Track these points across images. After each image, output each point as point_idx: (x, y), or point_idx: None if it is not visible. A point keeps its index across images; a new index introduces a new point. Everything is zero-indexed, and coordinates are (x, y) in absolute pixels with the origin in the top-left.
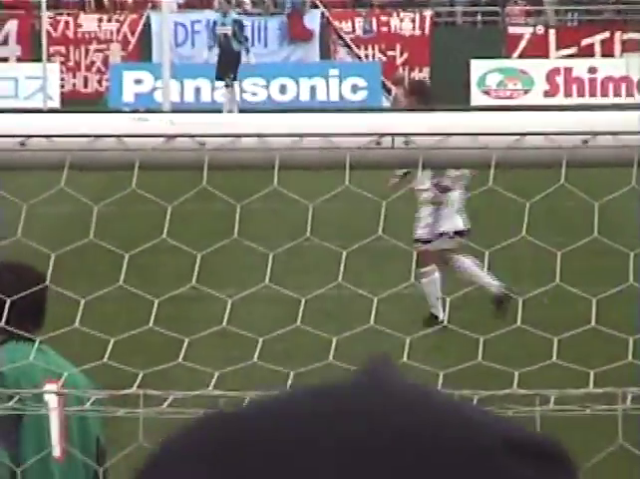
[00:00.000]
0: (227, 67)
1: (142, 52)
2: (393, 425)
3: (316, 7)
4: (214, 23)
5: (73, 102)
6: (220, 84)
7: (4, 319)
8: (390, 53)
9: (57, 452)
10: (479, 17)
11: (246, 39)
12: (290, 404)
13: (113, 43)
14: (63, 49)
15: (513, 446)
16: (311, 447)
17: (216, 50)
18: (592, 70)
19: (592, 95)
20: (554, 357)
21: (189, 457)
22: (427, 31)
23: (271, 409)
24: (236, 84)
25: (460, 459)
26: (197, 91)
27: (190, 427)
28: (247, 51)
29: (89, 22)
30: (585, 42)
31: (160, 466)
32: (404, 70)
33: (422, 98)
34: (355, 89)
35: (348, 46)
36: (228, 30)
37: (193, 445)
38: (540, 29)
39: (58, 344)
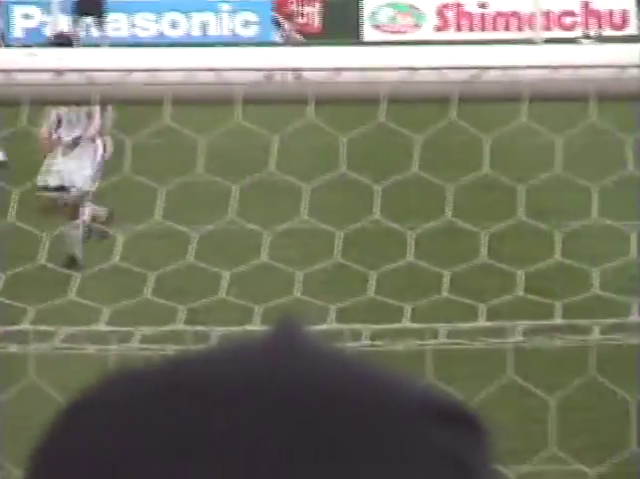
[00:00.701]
0: (91, 4)
1: None
2: (310, 390)
3: None
4: None
5: None
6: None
7: None
8: None
9: None
10: None
11: None
12: (205, 363)
13: None
14: None
15: (431, 411)
16: (230, 407)
17: None
18: (483, 5)
19: (483, 30)
20: (445, 292)
21: (113, 410)
22: None
23: (189, 366)
24: (90, 21)
25: (377, 425)
26: (86, 27)
27: (101, 385)
28: None
29: None
30: None
31: (89, 412)
32: (296, 5)
33: None
34: (246, 24)
35: None
36: None
37: (108, 404)
38: None
39: None
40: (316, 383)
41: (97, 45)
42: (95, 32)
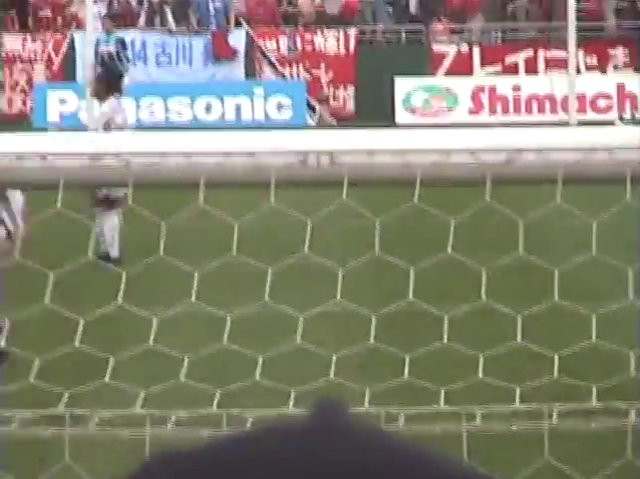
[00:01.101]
0: (107, 86)
1: (66, 72)
2: (357, 471)
3: (240, 25)
4: (97, 42)
5: None
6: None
7: None
8: (314, 71)
9: None
10: (403, 35)
11: (128, 59)
12: (247, 446)
13: (37, 63)
14: None
15: None
16: None
17: (98, 68)
18: (516, 88)
19: (517, 112)
20: (480, 374)
21: None
22: (351, 49)
23: (228, 450)
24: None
25: None
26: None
27: (140, 471)
28: (127, 70)
29: (12, 42)
30: (509, 60)
31: None
32: (329, 88)
33: None
34: (280, 107)
35: (273, 64)
36: (112, 49)
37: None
38: (465, 47)
39: None
40: (363, 464)
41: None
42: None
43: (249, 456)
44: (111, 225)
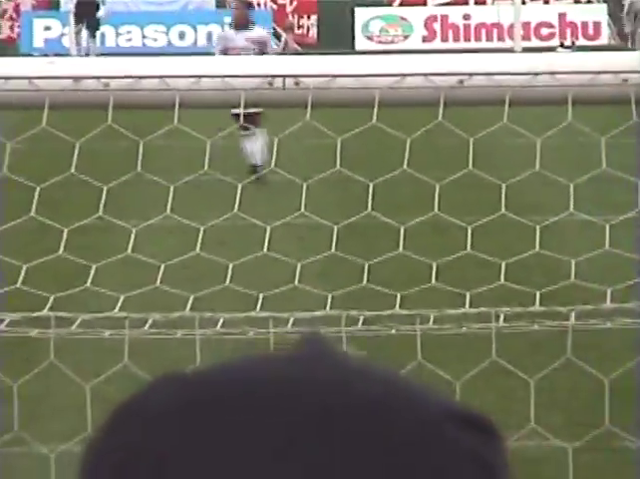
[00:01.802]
0: (84, 14)
1: (50, 1)
2: (348, 394)
3: None
4: None
5: None
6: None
7: None
8: (280, 2)
9: None
10: None
11: None
12: (248, 369)
13: None
14: None
15: (456, 418)
16: (276, 412)
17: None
18: (466, 17)
19: (467, 40)
20: (433, 281)
21: (162, 409)
22: None
23: (231, 379)
24: (85, 34)
25: (413, 429)
26: (102, 37)
27: (147, 389)
28: (103, 2)
29: None
30: None
31: (137, 415)
32: (293, 18)
33: None
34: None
35: None
36: None
37: (160, 400)
38: None
39: None
40: (352, 391)
41: (87, 54)
42: (86, 42)
43: (254, 375)
44: (261, 142)
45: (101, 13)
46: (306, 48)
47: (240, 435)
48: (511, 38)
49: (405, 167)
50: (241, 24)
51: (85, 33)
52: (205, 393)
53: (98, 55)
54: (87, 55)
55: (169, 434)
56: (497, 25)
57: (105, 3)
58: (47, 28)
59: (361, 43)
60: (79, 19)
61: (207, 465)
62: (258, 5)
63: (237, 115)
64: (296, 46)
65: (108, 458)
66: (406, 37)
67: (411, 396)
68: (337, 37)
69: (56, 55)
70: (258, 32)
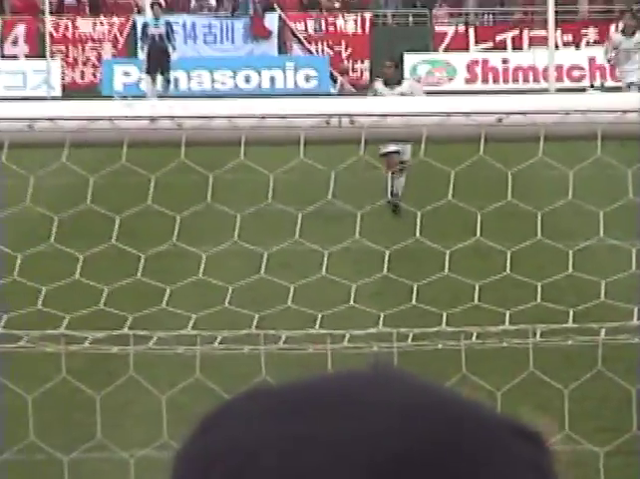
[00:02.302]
0: (158, 63)
1: (129, 49)
2: (420, 413)
3: (274, 10)
4: (146, 25)
5: (72, 91)
6: (149, 76)
7: None
8: (336, 48)
9: None
10: (410, 18)
11: (174, 39)
12: (328, 383)
13: (105, 42)
14: (63, 47)
15: (515, 432)
16: (350, 416)
17: (146, 48)
18: (505, 61)
19: (505, 81)
20: (476, 300)
21: (251, 413)
22: (367, 30)
23: (309, 391)
24: (160, 79)
25: (484, 444)
26: (176, 81)
27: (238, 397)
28: (174, 49)
29: (85, 25)
30: (499, 38)
31: (223, 424)
32: (348, 62)
33: None
34: (307, 78)
35: (301, 43)
36: (161, 31)
37: (247, 408)
38: (462, 27)
39: (60, 295)
40: (429, 407)
41: (161, 97)
42: (161, 87)
43: (331, 390)
44: (401, 182)
45: (173, 56)
46: (359, 90)
47: (310, 434)
48: (546, 80)
49: (450, 197)
50: (392, 81)
51: (159, 78)
52: (283, 402)
53: (171, 97)
54: (161, 97)
55: (259, 429)
56: (533, 68)
57: (175, 48)
58: (126, 74)
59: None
60: (153, 66)
61: (287, 462)
62: (317, 52)
63: (385, 154)
64: (351, 88)
65: (200, 454)
66: (450, 79)
67: (477, 412)
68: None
69: (134, 97)
70: (407, 84)
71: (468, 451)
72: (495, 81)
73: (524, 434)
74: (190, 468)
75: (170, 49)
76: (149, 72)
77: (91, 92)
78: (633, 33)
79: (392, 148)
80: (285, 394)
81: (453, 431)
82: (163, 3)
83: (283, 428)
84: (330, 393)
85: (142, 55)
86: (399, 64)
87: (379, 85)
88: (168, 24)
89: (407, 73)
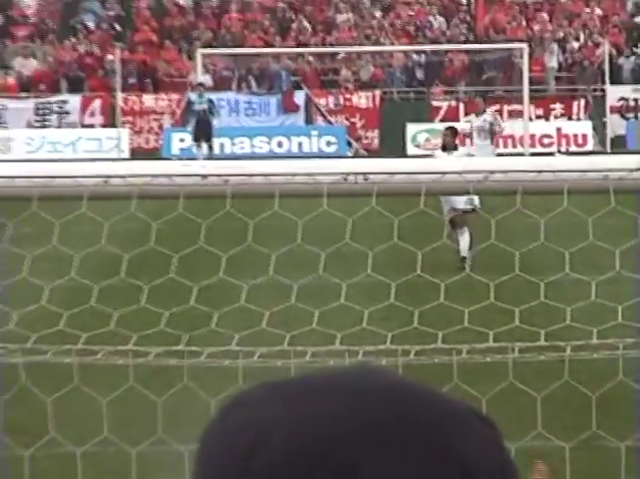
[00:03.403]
0: (203, 132)
1: (184, 120)
2: (400, 398)
3: (301, 88)
4: (192, 102)
5: (138, 154)
6: (196, 143)
7: None
8: (352, 119)
9: None
10: (411, 94)
11: (218, 112)
12: (322, 380)
13: (165, 114)
14: (131, 118)
15: (473, 414)
16: (341, 404)
17: (193, 120)
18: None
19: None
20: (465, 323)
21: (262, 399)
22: (377, 104)
23: (309, 381)
24: (205, 145)
25: (450, 419)
26: (222, 145)
27: (250, 388)
28: (218, 117)
29: (149, 100)
30: (485, 111)
31: (243, 404)
32: (361, 131)
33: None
34: (328, 144)
35: (323, 115)
36: (205, 106)
37: (260, 394)
38: (453, 102)
39: (129, 318)
40: (404, 397)
41: (209, 159)
42: (205, 152)
43: (326, 380)
44: (465, 238)
45: (215, 127)
46: (371, 153)
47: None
48: (522, 145)
49: (444, 239)
50: (450, 147)
51: (204, 145)
52: (286, 389)
53: (218, 159)
54: (209, 159)
55: (269, 411)
56: (511, 136)
57: (217, 120)
58: (181, 140)
59: (411, 149)
60: (198, 135)
61: (298, 431)
62: (336, 122)
63: (451, 221)
64: (363, 151)
65: (219, 436)
66: None
67: (444, 399)
68: (393, 145)
69: (188, 159)
70: (463, 150)
71: (446, 425)
72: None
73: (482, 418)
74: (212, 449)
75: (214, 121)
76: (196, 140)
77: (153, 154)
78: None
79: (461, 206)
80: (287, 384)
81: (428, 410)
82: (212, 83)
83: (287, 410)
84: (324, 382)
85: (189, 126)
86: (457, 132)
87: (439, 152)
88: (211, 101)
89: (408, 139)
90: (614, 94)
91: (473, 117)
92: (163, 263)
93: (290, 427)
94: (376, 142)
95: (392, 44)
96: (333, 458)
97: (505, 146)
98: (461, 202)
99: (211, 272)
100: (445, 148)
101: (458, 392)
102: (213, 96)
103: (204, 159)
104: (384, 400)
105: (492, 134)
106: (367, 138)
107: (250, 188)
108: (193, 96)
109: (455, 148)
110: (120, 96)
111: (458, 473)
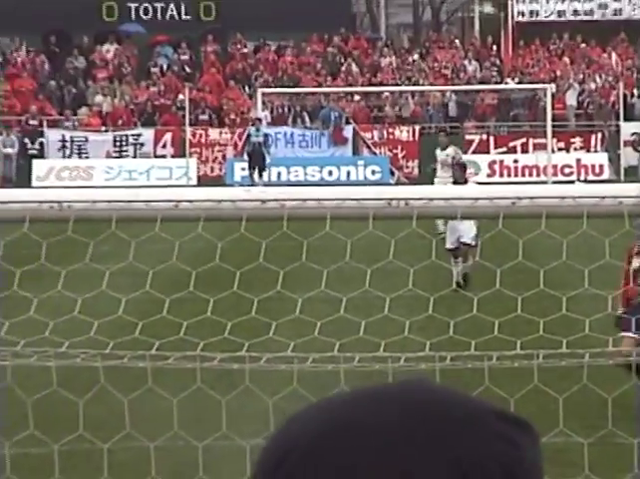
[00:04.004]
0: (257, 162)
1: (243, 150)
2: (434, 406)
3: (349, 123)
4: (250, 134)
5: (204, 181)
6: (250, 171)
7: None
8: (394, 151)
9: None
10: (447, 129)
11: (270, 146)
12: (369, 394)
13: (228, 146)
14: (198, 149)
15: (498, 415)
16: (386, 412)
17: (249, 151)
18: (515, 161)
19: (516, 176)
20: (495, 332)
21: (317, 415)
22: (416, 138)
23: (358, 397)
24: (257, 173)
25: (472, 421)
26: (279, 174)
27: (304, 408)
28: (269, 153)
29: (214, 133)
30: (511, 144)
31: (288, 426)
32: (403, 160)
33: None
34: (373, 172)
35: (369, 147)
36: (260, 139)
37: (304, 416)
38: (484, 136)
39: (196, 327)
40: (443, 402)
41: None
42: (258, 180)
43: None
44: (459, 267)
45: (268, 159)
46: (411, 181)
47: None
48: (545, 175)
49: (477, 258)
50: (460, 182)
51: (256, 174)
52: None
53: (276, 185)
54: (264, 186)
55: (311, 431)
56: (536, 166)
57: (269, 153)
58: (242, 169)
59: None
60: (253, 164)
61: (339, 452)
62: (380, 153)
63: (452, 249)
64: (405, 179)
65: (273, 447)
66: (476, 174)
67: (477, 403)
68: (430, 174)
69: (249, 186)
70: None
71: (455, 419)
72: (509, 175)
73: (507, 418)
74: (267, 457)
75: (266, 154)
76: (250, 168)
77: (218, 181)
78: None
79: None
80: (333, 404)
81: (443, 410)
82: (270, 119)
83: (329, 430)
84: (366, 399)
85: (246, 156)
86: (466, 166)
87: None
88: (266, 135)
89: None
90: (627, 129)
91: (438, 151)
92: (227, 279)
93: (309, 441)
94: (416, 171)
95: (430, 84)
96: (337, 460)
97: (531, 175)
98: (469, 236)
99: (270, 287)
100: (455, 182)
101: (488, 394)
102: (271, 130)
103: (260, 185)
104: (403, 405)
105: (454, 167)
106: (407, 167)
107: (304, 211)
108: (252, 129)
109: (465, 182)
110: (188, 130)
111: (458, 471)
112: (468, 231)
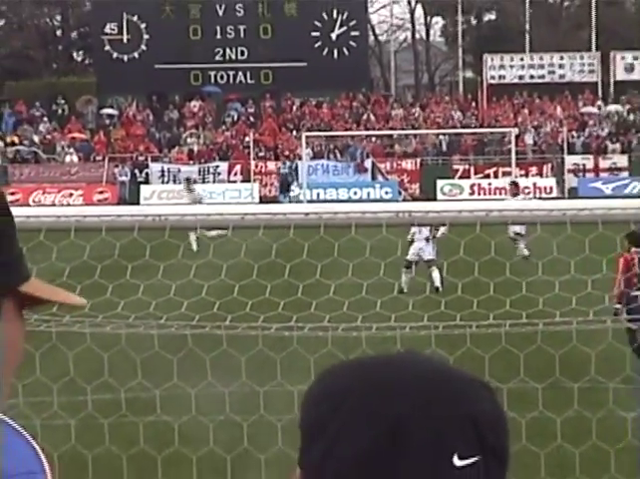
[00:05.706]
0: (286, 187)
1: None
2: (441, 371)
3: (369, 157)
4: (279, 168)
5: (264, 200)
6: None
7: None
8: (401, 177)
9: None
10: (440, 161)
11: (297, 178)
12: (375, 362)
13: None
14: (259, 177)
15: (481, 383)
16: (394, 376)
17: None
18: (489, 184)
19: (490, 194)
20: (475, 308)
21: (339, 376)
22: (417, 167)
23: (368, 363)
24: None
25: (469, 385)
26: (318, 194)
27: (336, 367)
28: (293, 183)
29: (271, 165)
30: (486, 172)
31: (325, 379)
32: (408, 184)
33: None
34: (386, 192)
35: (383, 174)
36: (287, 171)
37: (338, 370)
38: (467, 166)
39: (259, 305)
40: (438, 372)
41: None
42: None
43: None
44: (435, 273)
45: (294, 190)
46: (414, 198)
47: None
48: (523, 193)
49: (476, 275)
50: (514, 194)
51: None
52: (360, 365)
53: (315, 202)
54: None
55: (344, 382)
56: (504, 188)
57: (295, 182)
58: (292, 191)
59: (440, 196)
60: (284, 187)
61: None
62: (391, 178)
63: (410, 261)
64: (409, 197)
65: (313, 397)
66: (461, 193)
67: (465, 374)
68: (428, 193)
69: (296, 203)
70: (522, 196)
71: (456, 388)
72: (484, 194)
73: (485, 386)
74: (309, 406)
75: (292, 182)
76: (284, 191)
77: (274, 200)
78: None
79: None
80: (361, 361)
81: (455, 382)
82: (312, 154)
83: (359, 379)
84: (383, 361)
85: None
86: (518, 184)
87: (508, 199)
88: (294, 167)
89: (438, 189)
90: (570, 161)
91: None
92: (280, 270)
93: (360, 393)
94: (417, 191)
95: (427, 129)
96: (386, 411)
97: (500, 194)
98: (427, 253)
99: (311, 276)
100: (514, 195)
101: (470, 353)
102: (313, 162)
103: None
104: (422, 373)
105: (511, 185)
106: (411, 189)
107: (336, 221)
108: (288, 163)
109: (516, 194)
110: (252, 163)
111: (470, 424)
112: (430, 251)
